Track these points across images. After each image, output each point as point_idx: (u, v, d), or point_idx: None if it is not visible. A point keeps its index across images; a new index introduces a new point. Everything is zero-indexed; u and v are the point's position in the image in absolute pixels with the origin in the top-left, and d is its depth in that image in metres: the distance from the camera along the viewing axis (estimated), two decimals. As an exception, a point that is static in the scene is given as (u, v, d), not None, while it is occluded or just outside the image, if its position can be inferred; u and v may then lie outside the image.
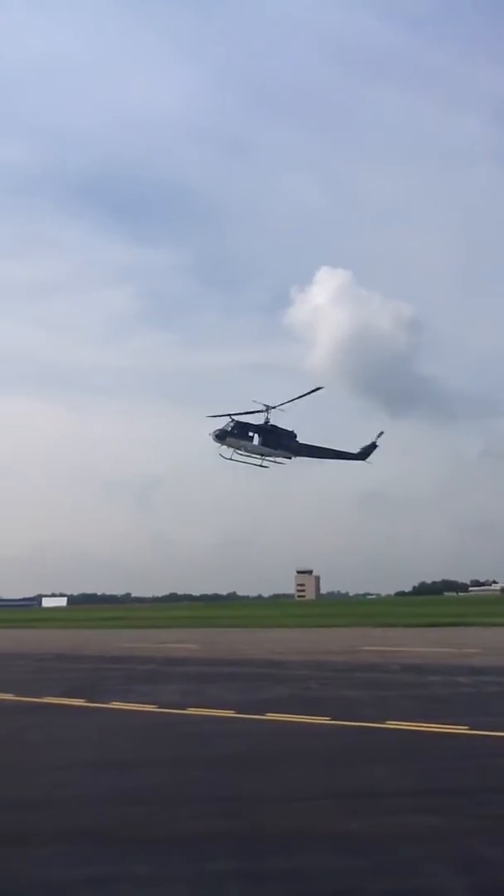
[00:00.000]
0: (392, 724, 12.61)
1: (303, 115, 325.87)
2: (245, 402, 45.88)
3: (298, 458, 47.04)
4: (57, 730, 13.62)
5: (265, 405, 44.81)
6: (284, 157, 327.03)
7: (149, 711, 14.93)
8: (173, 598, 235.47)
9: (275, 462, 46.12)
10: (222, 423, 44.56)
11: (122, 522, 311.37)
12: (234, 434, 44.51)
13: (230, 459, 44.87)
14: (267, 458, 45.71)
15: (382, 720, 12.88)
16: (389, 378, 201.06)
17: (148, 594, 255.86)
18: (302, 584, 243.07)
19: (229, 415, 44.93)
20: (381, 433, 50.59)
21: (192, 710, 14.84)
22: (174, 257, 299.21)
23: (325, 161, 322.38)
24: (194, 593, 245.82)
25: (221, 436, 44.29)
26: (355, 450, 49.62)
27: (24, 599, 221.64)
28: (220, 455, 44.61)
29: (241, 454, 45.03)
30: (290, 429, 45.92)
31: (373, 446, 49.99)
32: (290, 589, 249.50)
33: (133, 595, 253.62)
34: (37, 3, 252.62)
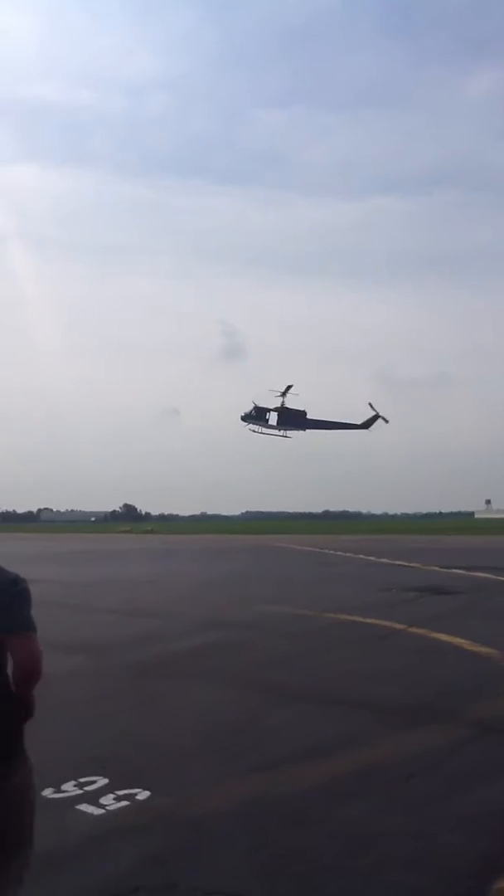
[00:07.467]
0: None
1: None
2: None
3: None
4: None
5: (283, 391, 57.79)
6: None
7: None
8: None
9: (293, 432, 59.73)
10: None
11: None
12: (253, 417, 58.35)
13: (258, 433, 59.06)
14: (283, 431, 59.30)
15: None
16: None
17: None
18: None
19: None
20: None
21: None
22: None
23: None
24: None
25: (245, 418, 58.33)
26: (359, 421, 59.32)
27: None
28: (250, 430, 58.76)
29: (264, 431, 59.21)
30: (301, 408, 58.46)
31: (375, 417, 58.30)
32: None
33: None
34: None
